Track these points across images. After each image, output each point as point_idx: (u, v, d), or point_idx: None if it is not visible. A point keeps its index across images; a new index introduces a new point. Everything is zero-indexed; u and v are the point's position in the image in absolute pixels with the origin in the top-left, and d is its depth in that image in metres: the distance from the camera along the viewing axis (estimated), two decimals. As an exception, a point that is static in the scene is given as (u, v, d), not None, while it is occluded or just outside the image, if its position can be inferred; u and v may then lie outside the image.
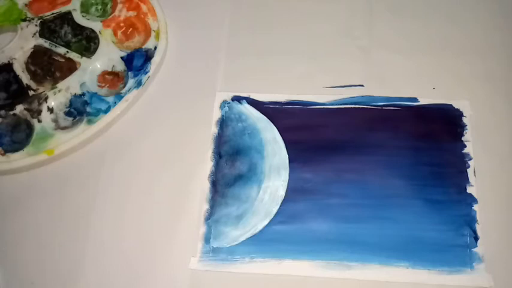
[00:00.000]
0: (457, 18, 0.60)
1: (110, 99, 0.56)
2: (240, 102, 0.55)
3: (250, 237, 0.50)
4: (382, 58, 0.58)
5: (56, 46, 0.59)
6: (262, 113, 0.55)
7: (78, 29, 0.60)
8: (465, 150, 0.52)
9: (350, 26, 0.60)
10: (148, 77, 0.57)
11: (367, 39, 0.59)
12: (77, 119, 0.56)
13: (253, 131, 0.54)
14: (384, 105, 0.55)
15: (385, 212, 0.49)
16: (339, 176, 0.51)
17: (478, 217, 0.49)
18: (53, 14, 0.60)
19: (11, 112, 0.56)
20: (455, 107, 0.54)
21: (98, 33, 0.60)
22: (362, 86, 0.56)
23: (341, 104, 0.55)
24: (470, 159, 0.51)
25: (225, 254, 0.49)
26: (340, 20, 0.60)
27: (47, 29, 0.60)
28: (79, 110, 0.56)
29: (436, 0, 0.61)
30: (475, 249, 0.48)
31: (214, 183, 0.52)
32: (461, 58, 0.57)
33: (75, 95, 0.57)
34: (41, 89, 0.57)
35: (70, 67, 0.58)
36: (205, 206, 0.51)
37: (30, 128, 0.55)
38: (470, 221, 0.49)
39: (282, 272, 0.48)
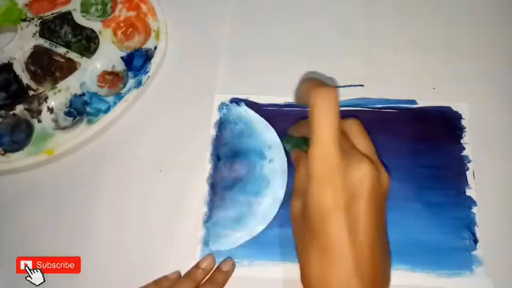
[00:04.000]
0: (457, 19, 0.57)
1: (110, 99, 0.53)
2: (239, 104, 0.52)
3: (249, 240, 0.47)
4: (382, 58, 0.55)
5: (56, 46, 0.56)
6: (260, 115, 0.52)
7: (78, 29, 0.57)
8: (464, 153, 0.49)
9: (350, 26, 0.57)
10: (148, 77, 0.54)
11: (367, 39, 0.56)
12: (77, 119, 0.53)
13: (252, 134, 0.51)
14: (382, 108, 0.52)
15: (384, 215, 0.46)
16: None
17: (477, 220, 0.47)
18: (53, 14, 0.58)
19: (11, 112, 0.53)
20: (454, 110, 0.51)
21: (98, 33, 0.57)
22: (362, 86, 0.53)
23: (340, 107, 0.51)
24: (469, 161, 0.49)
25: (224, 257, 0.47)
26: (340, 20, 0.58)
27: (47, 29, 0.57)
28: (79, 110, 0.54)
29: (437, 1, 0.58)
30: (474, 252, 0.46)
31: (212, 186, 0.50)
32: (461, 60, 0.54)
33: (75, 95, 0.54)
34: (41, 89, 0.54)
35: (70, 67, 0.55)
36: (204, 209, 0.49)
37: (30, 128, 0.53)
38: (469, 224, 0.47)
39: (280, 276, 0.46)
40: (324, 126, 0.35)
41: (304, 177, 0.40)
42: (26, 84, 0.54)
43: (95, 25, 0.57)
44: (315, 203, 0.36)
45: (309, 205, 0.36)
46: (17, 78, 0.54)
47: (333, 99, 0.35)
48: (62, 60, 0.56)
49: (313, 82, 0.37)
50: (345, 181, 0.35)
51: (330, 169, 0.35)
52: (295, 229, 0.40)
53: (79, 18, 0.57)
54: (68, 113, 0.54)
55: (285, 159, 0.49)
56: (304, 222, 0.38)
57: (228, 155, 0.51)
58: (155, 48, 0.56)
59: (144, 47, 0.56)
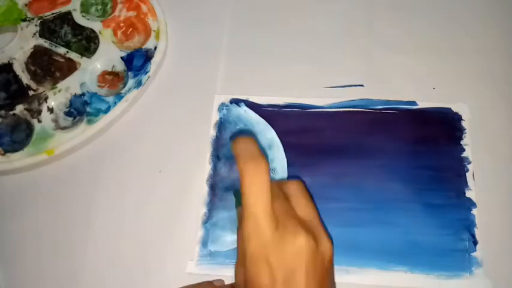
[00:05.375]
0: (457, 19, 0.56)
1: (110, 99, 0.53)
2: (238, 105, 0.52)
3: (249, 241, 0.46)
4: (382, 58, 0.54)
5: (56, 46, 0.56)
6: (260, 116, 0.51)
7: (78, 29, 0.57)
8: (464, 154, 0.49)
9: (350, 25, 0.57)
10: (148, 77, 0.54)
11: (367, 39, 0.56)
12: (77, 119, 0.53)
13: (252, 134, 0.50)
14: (382, 109, 0.51)
15: (384, 216, 0.46)
16: (337, 180, 0.48)
17: (477, 221, 0.46)
18: (53, 14, 0.57)
19: (11, 112, 0.53)
20: (454, 111, 0.51)
21: (98, 33, 0.56)
22: (362, 86, 0.53)
23: (340, 107, 0.52)
24: (469, 163, 0.48)
25: (222, 258, 0.46)
26: (340, 20, 0.57)
27: (47, 29, 0.57)
28: (79, 110, 0.53)
29: (437, 1, 0.57)
30: (474, 254, 0.45)
31: (212, 187, 0.49)
32: (461, 60, 0.54)
33: (75, 95, 0.54)
34: (41, 89, 0.54)
35: (70, 67, 0.55)
36: (203, 210, 0.48)
37: (30, 128, 0.52)
38: (469, 225, 0.46)
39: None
40: (256, 203, 0.33)
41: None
42: (26, 84, 0.54)
43: (95, 25, 0.57)
44: (252, 280, 0.34)
45: (247, 281, 0.35)
46: (17, 78, 0.54)
47: (261, 174, 0.34)
48: (62, 60, 0.55)
49: (243, 155, 0.35)
50: (281, 256, 0.34)
51: (264, 246, 0.34)
52: None
53: (79, 18, 0.57)
54: (68, 113, 0.53)
55: (285, 159, 0.49)
56: None
57: (228, 155, 0.50)
58: (155, 48, 0.55)
59: (144, 47, 0.56)
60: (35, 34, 0.56)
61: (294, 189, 0.39)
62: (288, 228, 0.35)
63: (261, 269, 0.34)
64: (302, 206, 0.37)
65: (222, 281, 0.45)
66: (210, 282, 0.45)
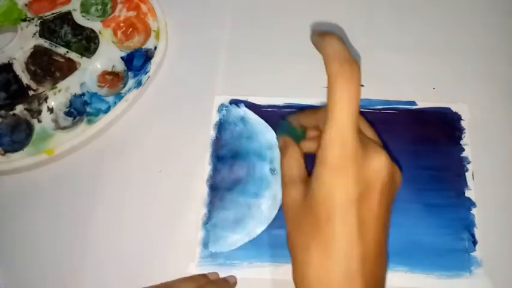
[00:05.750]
0: (457, 19, 0.56)
1: (110, 99, 0.53)
2: (238, 106, 0.52)
3: (249, 241, 0.46)
4: (382, 58, 0.54)
5: (56, 46, 0.55)
6: (260, 117, 0.51)
7: (78, 29, 0.56)
8: (463, 154, 0.49)
9: (350, 26, 0.56)
10: (148, 77, 0.54)
11: (367, 39, 0.56)
12: (77, 119, 0.53)
13: (252, 135, 0.50)
14: (382, 109, 0.51)
15: (384, 216, 0.46)
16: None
17: (476, 221, 0.46)
18: (53, 14, 0.57)
19: (11, 112, 0.52)
20: (454, 111, 0.51)
21: (98, 33, 0.56)
22: (362, 86, 0.52)
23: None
24: (469, 162, 0.48)
25: (223, 259, 0.46)
26: (340, 20, 0.57)
27: (47, 29, 0.56)
28: (79, 110, 0.53)
29: (437, 1, 0.57)
30: (473, 254, 0.45)
31: (212, 187, 0.49)
32: (461, 60, 0.54)
33: (75, 95, 0.53)
34: (41, 89, 0.53)
35: (70, 67, 0.55)
36: (203, 210, 0.48)
37: (30, 128, 0.52)
38: (468, 225, 0.46)
39: (280, 277, 0.45)
40: (345, 110, 0.32)
41: (295, 164, 0.39)
42: (26, 84, 0.53)
43: (95, 25, 0.56)
44: (324, 192, 0.33)
45: (315, 194, 0.33)
46: (17, 78, 0.54)
47: (356, 80, 0.32)
48: (62, 60, 0.55)
49: (337, 50, 0.34)
50: (361, 172, 0.33)
51: (346, 156, 0.32)
52: (291, 221, 0.36)
53: (79, 18, 0.57)
54: (68, 113, 0.53)
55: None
56: (304, 213, 0.34)
57: (228, 156, 0.50)
58: (155, 48, 0.55)
59: (144, 47, 0.55)
60: (35, 34, 0.56)
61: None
62: (369, 146, 0.34)
63: (339, 181, 0.32)
64: (369, 133, 0.39)
65: (216, 273, 0.45)
66: (204, 275, 0.45)
